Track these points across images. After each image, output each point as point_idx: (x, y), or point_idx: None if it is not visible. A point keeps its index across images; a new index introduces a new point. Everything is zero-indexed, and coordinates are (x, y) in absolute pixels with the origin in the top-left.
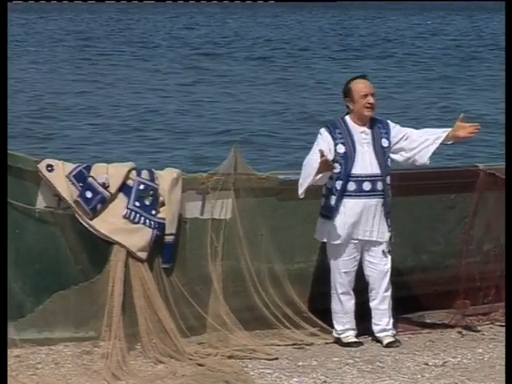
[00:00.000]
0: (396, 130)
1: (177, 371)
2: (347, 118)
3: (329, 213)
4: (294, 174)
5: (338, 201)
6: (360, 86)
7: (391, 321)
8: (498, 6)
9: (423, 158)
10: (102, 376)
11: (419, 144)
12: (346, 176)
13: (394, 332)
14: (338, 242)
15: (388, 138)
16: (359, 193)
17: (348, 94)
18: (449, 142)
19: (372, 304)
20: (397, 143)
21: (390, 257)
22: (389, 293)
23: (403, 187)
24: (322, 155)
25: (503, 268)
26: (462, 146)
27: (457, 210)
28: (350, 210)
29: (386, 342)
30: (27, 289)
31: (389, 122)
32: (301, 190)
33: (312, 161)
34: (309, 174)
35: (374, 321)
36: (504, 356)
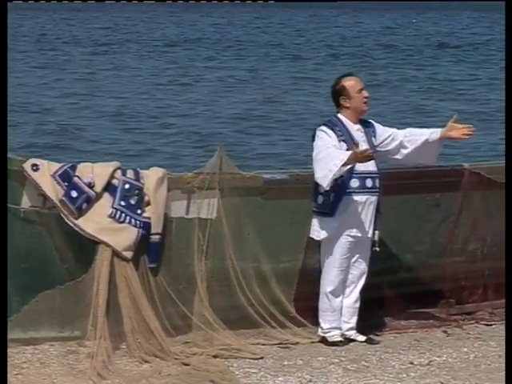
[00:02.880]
0: (381, 130)
1: (162, 370)
2: (340, 116)
3: (328, 210)
4: (279, 173)
5: (340, 198)
6: (353, 82)
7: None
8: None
9: (423, 158)
10: (88, 375)
11: (408, 146)
12: (349, 173)
13: None
14: (338, 239)
15: (375, 137)
16: (362, 189)
17: (342, 91)
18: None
19: (346, 302)
20: (383, 143)
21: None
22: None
23: (388, 186)
24: (357, 146)
25: (489, 267)
26: None
27: (442, 209)
28: (353, 206)
29: (361, 339)
30: (13, 288)
31: (372, 121)
32: (327, 182)
33: (336, 153)
34: (335, 164)
35: (344, 319)
36: (489, 355)
